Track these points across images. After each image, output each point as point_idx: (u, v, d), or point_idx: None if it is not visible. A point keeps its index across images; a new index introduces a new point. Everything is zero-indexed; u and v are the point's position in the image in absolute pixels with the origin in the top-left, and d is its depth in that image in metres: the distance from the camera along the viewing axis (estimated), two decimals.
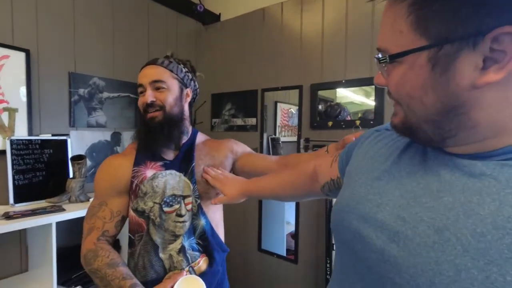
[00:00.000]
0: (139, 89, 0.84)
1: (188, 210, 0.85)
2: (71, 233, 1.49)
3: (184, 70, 0.89)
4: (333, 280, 0.50)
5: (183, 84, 0.88)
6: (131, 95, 1.79)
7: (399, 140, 0.46)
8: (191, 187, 0.86)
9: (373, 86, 1.45)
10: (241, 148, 0.99)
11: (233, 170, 0.97)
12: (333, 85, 1.58)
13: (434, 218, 0.33)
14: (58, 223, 1.22)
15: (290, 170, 0.79)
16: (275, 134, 1.95)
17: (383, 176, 0.43)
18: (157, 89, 0.83)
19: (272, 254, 1.85)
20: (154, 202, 0.82)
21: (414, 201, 0.36)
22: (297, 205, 1.74)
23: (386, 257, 0.35)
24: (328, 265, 1.49)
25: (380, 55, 0.38)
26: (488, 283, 0.28)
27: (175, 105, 0.85)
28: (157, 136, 0.83)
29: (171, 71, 0.85)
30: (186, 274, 0.82)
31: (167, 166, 0.86)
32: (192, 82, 0.92)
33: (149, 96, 0.82)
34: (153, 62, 0.86)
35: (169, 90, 0.84)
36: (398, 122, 0.40)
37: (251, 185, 0.85)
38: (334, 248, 0.50)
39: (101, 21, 1.66)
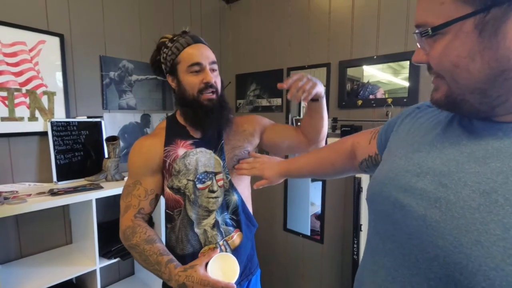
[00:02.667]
0: (195, 67, 0.83)
1: (220, 186, 0.87)
2: (108, 209, 1.59)
3: None
4: (366, 253, 0.50)
5: None
6: (158, 78, 1.82)
7: (441, 115, 0.46)
8: (221, 163, 0.88)
9: (407, 63, 1.37)
10: (265, 121, 1.03)
11: (260, 143, 0.99)
12: (363, 62, 1.51)
13: (479, 182, 0.34)
14: (97, 200, 1.30)
15: (327, 149, 0.80)
16: (299, 115, 1.92)
17: (424, 148, 0.43)
18: (213, 70, 0.86)
19: (297, 233, 1.88)
20: (188, 180, 0.85)
21: (456, 168, 0.37)
22: (323, 186, 1.73)
23: (428, 222, 0.36)
24: (355, 245, 1.48)
25: (419, 30, 0.37)
26: None
27: (221, 88, 0.89)
28: (211, 117, 0.85)
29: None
30: (220, 249, 0.85)
31: (197, 144, 0.88)
32: None
33: (212, 76, 0.84)
34: (201, 41, 0.87)
35: (218, 74, 0.88)
36: (441, 96, 0.39)
37: (290, 166, 0.86)
38: (368, 222, 0.51)
39: (127, 3, 1.67)
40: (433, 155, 0.40)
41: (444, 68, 0.37)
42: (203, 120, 0.84)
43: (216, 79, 0.86)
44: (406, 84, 1.38)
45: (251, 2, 2.00)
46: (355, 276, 0.52)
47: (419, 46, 0.40)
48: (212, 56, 0.86)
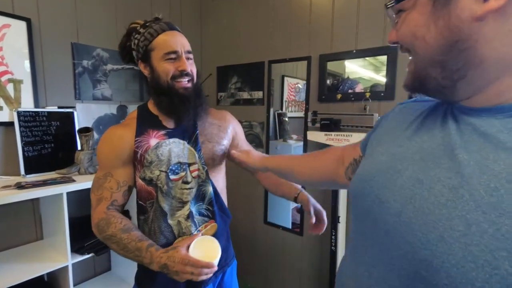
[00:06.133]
0: (171, 55, 0.81)
1: (194, 177, 0.86)
2: (81, 203, 1.53)
3: None
4: (348, 248, 0.51)
5: None
6: (136, 68, 1.75)
7: (423, 108, 0.46)
8: (196, 154, 0.86)
9: (385, 59, 1.39)
10: (240, 129, 1.03)
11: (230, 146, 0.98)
12: (343, 56, 1.52)
13: (450, 178, 0.33)
14: (69, 194, 1.25)
15: (316, 151, 0.80)
16: (281, 109, 1.91)
17: (404, 143, 0.43)
18: (188, 59, 0.84)
19: (277, 226, 1.89)
20: (160, 171, 0.83)
21: (433, 163, 0.36)
22: None
23: (403, 219, 0.36)
24: (333, 237, 1.51)
25: (387, 6, 0.41)
26: (498, 235, 0.27)
27: (197, 77, 0.87)
28: (187, 106, 0.83)
29: None
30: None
31: (170, 134, 0.85)
32: None
33: (188, 65, 0.82)
34: (176, 28, 0.85)
35: (193, 62, 0.86)
36: (409, 77, 0.42)
37: (270, 157, 0.87)
38: (352, 218, 0.50)
39: None
40: (413, 150, 0.40)
41: (406, 39, 0.39)
42: (178, 108, 0.82)
43: (191, 67, 0.84)
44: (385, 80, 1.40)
45: None
46: (337, 271, 0.53)
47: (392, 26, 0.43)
48: (187, 45, 0.84)
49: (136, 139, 0.83)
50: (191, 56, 0.85)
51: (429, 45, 0.36)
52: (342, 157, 0.70)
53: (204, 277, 0.70)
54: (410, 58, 0.41)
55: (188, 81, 0.83)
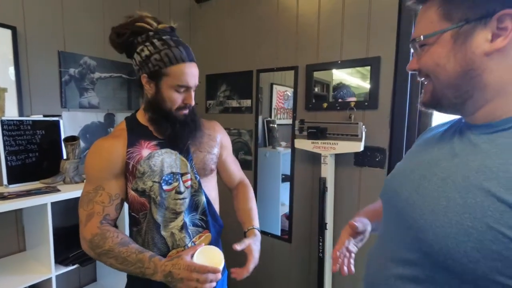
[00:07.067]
0: (181, 88, 0.82)
1: (186, 187, 0.86)
2: (66, 213, 1.51)
3: None
4: (378, 235, 0.65)
5: None
6: (124, 76, 1.76)
7: (441, 128, 0.60)
8: (188, 164, 0.87)
9: (369, 68, 1.44)
10: (228, 141, 1.04)
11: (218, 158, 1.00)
12: (328, 66, 1.56)
13: (443, 172, 0.48)
14: (53, 204, 1.23)
15: None
16: (270, 117, 1.94)
17: (421, 153, 0.58)
18: (193, 91, 0.86)
19: (266, 233, 1.90)
20: (153, 181, 0.82)
21: (435, 164, 0.51)
22: (292, 186, 1.76)
23: (410, 202, 0.51)
24: (320, 243, 1.53)
25: (416, 40, 0.51)
26: (465, 204, 0.42)
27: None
28: (187, 130, 0.86)
29: None
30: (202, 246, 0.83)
31: (162, 145, 0.86)
32: None
33: (193, 99, 0.85)
34: (194, 59, 0.85)
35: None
36: (427, 96, 0.53)
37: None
38: (383, 210, 0.65)
39: None
40: (425, 157, 0.55)
41: (428, 67, 0.50)
42: (180, 134, 0.85)
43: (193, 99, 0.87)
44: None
45: (221, 2, 1.99)
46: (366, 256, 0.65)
47: (413, 56, 0.54)
48: (197, 78, 0.86)
49: (128, 150, 0.82)
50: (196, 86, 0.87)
51: (448, 72, 0.48)
52: None
53: (208, 286, 0.70)
54: (426, 82, 0.53)
55: (187, 109, 0.86)
